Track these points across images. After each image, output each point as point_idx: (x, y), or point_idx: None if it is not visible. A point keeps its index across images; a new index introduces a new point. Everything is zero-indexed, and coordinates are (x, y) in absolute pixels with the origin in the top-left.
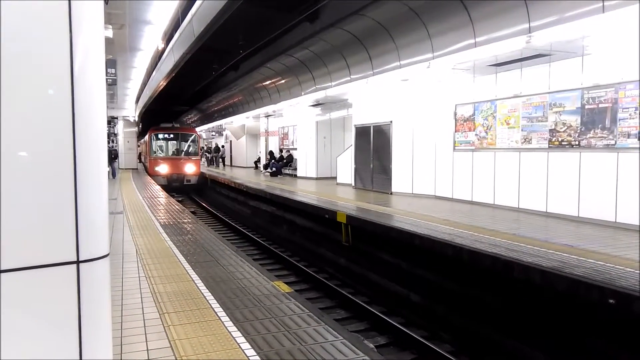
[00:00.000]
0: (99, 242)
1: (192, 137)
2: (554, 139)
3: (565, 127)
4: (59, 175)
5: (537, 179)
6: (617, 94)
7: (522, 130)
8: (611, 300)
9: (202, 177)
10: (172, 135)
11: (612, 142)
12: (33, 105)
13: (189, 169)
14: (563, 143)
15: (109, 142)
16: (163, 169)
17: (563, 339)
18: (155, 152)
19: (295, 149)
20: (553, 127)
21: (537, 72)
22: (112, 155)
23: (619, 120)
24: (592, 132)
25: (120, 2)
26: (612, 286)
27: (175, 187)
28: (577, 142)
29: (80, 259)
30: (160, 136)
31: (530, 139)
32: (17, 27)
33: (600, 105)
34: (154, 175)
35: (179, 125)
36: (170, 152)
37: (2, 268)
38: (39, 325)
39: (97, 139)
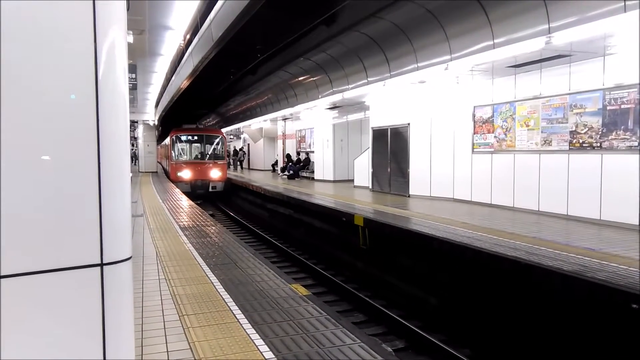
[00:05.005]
0: (122, 245)
1: (218, 139)
2: (574, 141)
3: (587, 129)
4: (84, 179)
5: (558, 181)
6: None
7: (542, 132)
8: (634, 305)
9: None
10: (196, 137)
11: (635, 143)
12: (59, 110)
13: (215, 174)
14: (584, 145)
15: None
16: (186, 174)
17: (583, 345)
18: (177, 156)
19: (313, 151)
20: (574, 129)
21: (557, 73)
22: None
23: None
24: (614, 133)
25: (140, 8)
26: (636, 291)
27: (199, 194)
28: (598, 144)
29: (104, 262)
30: (183, 138)
31: (551, 141)
32: (44, 34)
33: (623, 106)
34: (176, 182)
35: (203, 126)
36: (194, 156)
37: (30, 270)
38: (64, 326)
39: (120, 143)
